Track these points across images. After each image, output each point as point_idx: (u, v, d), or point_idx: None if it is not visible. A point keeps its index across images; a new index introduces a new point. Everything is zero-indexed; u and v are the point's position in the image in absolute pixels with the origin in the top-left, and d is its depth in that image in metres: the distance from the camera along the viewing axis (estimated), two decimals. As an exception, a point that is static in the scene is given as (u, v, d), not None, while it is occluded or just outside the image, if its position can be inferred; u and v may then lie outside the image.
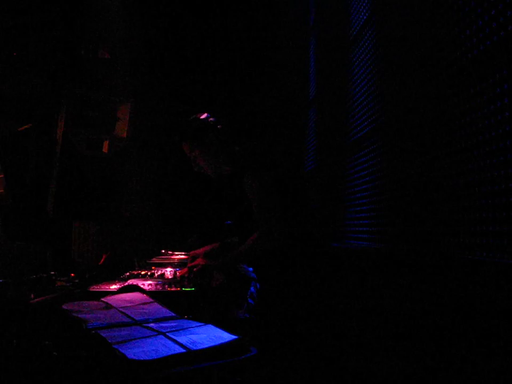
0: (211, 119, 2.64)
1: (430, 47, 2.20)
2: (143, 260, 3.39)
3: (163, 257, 3.62)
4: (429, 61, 2.23)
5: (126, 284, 2.22)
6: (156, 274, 2.60)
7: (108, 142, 3.04)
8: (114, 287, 2.18)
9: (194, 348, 1.40)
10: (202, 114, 2.65)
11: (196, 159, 2.63)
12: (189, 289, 2.14)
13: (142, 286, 2.13)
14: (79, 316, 1.64)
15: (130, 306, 1.82)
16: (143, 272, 2.64)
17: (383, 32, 2.96)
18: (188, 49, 5.94)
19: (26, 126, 3.27)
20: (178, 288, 2.15)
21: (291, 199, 2.61)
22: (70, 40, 5.05)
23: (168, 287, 2.18)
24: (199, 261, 2.62)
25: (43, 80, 5.10)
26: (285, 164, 2.66)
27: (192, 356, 1.37)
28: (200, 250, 2.94)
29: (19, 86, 5.15)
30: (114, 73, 5.00)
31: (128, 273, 2.62)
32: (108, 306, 1.82)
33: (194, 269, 2.53)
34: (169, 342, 1.46)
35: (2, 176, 3.34)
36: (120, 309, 1.78)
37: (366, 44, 3.26)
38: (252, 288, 3.72)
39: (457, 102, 1.94)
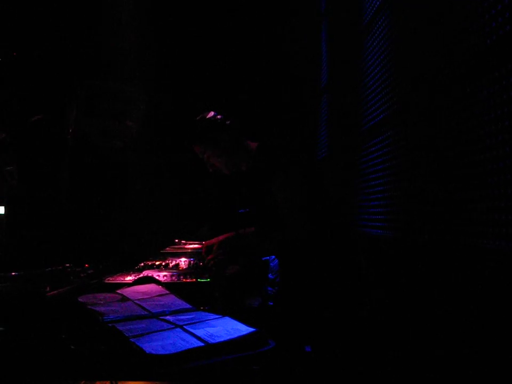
0: (218, 116, 2.61)
1: (447, 32, 2.16)
2: (157, 250, 3.39)
3: (176, 246, 3.62)
4: (445, 46, 2.19)
5: (141, 275, 2.21)
6: (171, 265, 2.59)
7: (120, 132, 3.02)
8: (129, 278, 2.17)
9: (212, 341, 1.39)
10: (208, 113, 2.61)
11: (210, 159, 2.60)
12: (205, 280, 2.13)
13: (157, 277, 2.12)
14: (95, 308, 1.63)
15: (146, 298, 1.81)
16: (157, 263, 2.63)
17: (397, 18, 2.91)
18: (199, 35, 5.90)
19: (38, 117, 3.26)
20: (194, 279, 2.14)
21: (316, 193, 2.59)
22: (83, 30, 5.04)
23: (183, 278, 2.17)
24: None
25: (55, 70, 5.09)
26: (306, 157, 2.63)
27: (210, 349, 1.35)
28: (214, 240, 2.92)
29: (32, 76, 5.15)
30: (127, 63, 4.98)
31: (142, 264, 2.62)
32: (124, 298, 1.81)
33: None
34: (187, 335, 1.45)
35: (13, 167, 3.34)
36: (136, 301, 1.77)
37: (380, 30, 3.21)
38: (270, 275, 3.71)
39: (475, 88, 1.90)
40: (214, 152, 2.58)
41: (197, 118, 2.64)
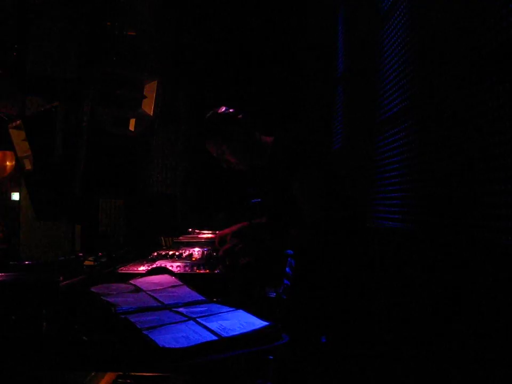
0: (230, 110, 2.57)
1: (468, 20, 2.11)
2: (171, 240, 3.38)
3: (190, 236, 3.60)
4: (466, 37, 2.14)
5: (154, 265, 2.20)
6: (184, 255, 2.58)
7: (134, 120, 3.00)
8: (142, 268, 2.16)
9: (226, 335, 1.37)
10: (220, 109, 2.58)
11: (224, 155, 2.57)
12: (218, 271, 2.11)
13: (170, 268, 2.11)
14: (108, 299, 1.62)
15: (159, 289, 1.80)
16: (170, 252, 2.61)
17: (416, 6, 2.86)
18: (214, 25, 5.86)
19: (53, 104, 3.25)
20: (207, 270, 2.12)
21: (332, 186, 2.57)
22: (97, 16, 5.03)
23: (197, 269, 2.15)
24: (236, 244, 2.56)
25: (70, 58, 5.09)
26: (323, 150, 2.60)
27: (223, 343, 1.34)
28: (227, 230, 2.91)
29: (47, 64, 5.15)
30: (141, 50, 4.96)
31: (155, 253, 2.60)
32: (137, 289, 1.80)
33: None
34: (200, 328, 1.43)
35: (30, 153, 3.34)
36: (149, 292, 1.75)
37: (398, 19, 3.16)
38: (288, 269, 3.68)
39: (497, 80, 1.86)
40: (229, 147, 2.55)
41: (209, 114, 2.61)
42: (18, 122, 3.40)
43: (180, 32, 5.67)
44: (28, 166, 3.46)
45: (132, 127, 3.07)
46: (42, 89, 4.60)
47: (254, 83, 5.70)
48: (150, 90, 3.03)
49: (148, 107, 3.10)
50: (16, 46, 5.40)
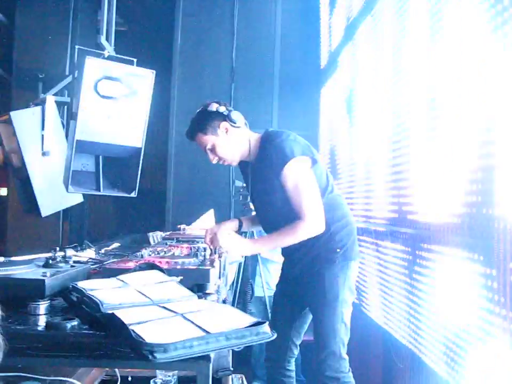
0: (221, 106, 2.56)
1: None
2: (159, 236, 3.36)
3: (179, 232, 3.58)
4: None
5: (143, 261, 2.18)
6: (173, 251, 2.56)
7: (126, 115, 2.97)
8: (130, 264, 2.14)
9: (213, 331, 1.37)
10: (209, 105, 2.57)
11: (214, 150, 2.56)
12: (207, 267, 2.10)
13: (159, 264, 2.09)
14: (95, 294, 1.61)
15: (147, 285, 1.78)
16: (159, 249, 2.60)
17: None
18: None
19: (42, 99, 3.23)
20: (196, 267, 2.12)
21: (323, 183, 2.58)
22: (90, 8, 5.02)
23: (185, 265, 2.14)
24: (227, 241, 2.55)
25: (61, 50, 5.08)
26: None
27: (210, 338, 1.34)
28: (217, 227, 2.89)
29: (36, 57, 5.13)
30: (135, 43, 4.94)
31: (144, 250, 2.59)
32: (125, 284, 1.79)
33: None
34: (187, 323, 1.43)
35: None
36: (137, 288, 1.74)
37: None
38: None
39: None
40: (219, 142, 2.54)
41: (200, 109, 2.60)
42: (6, 116, 3.37)
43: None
44: (16, 160, 3.44)
45: (124, 122, 3.04)
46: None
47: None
48: (145, 83, 2.99)
49: (141, 101, 3.07)
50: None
